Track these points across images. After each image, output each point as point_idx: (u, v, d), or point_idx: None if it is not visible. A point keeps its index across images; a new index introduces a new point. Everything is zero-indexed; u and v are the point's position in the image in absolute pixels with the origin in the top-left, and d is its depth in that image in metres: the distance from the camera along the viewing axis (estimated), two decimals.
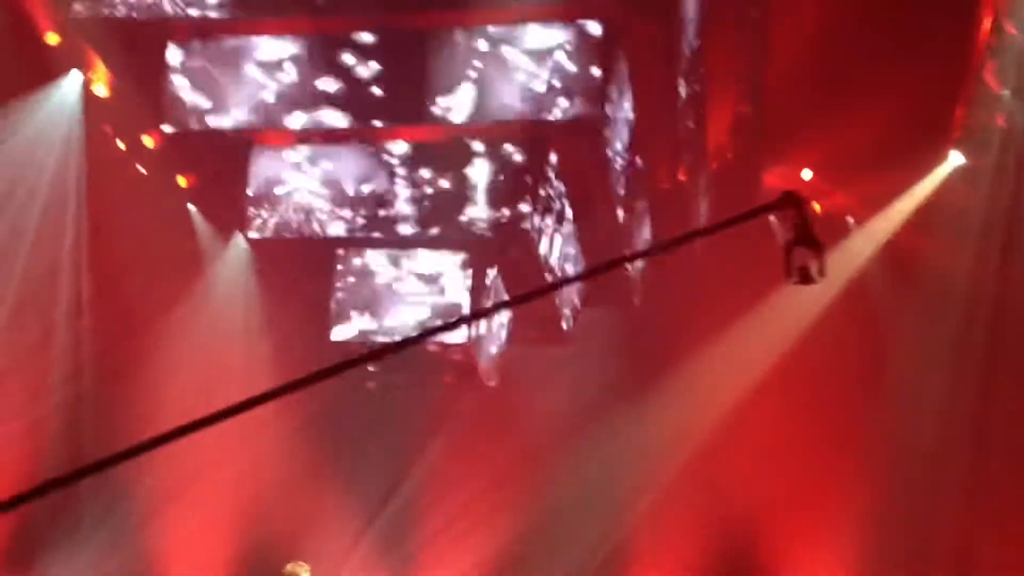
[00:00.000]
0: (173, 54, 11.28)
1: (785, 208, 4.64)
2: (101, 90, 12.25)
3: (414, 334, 11.80)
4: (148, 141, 12.76)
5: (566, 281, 12.97)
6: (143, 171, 13.04)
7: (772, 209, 4.74)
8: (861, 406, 13.44)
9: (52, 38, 11.87)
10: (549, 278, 12.15)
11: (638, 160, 12.73)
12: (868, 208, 13.72)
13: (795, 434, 13.37)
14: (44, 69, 11.84)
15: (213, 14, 10.87)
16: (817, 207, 12.96)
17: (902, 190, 13.46)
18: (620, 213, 12.67)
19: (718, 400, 13.90)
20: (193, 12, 10.83)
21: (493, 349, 12.93)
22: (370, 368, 12.84)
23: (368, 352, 11.35)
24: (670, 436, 14.02)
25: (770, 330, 14.14)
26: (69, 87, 11.95)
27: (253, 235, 11.95)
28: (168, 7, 10.72)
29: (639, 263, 14.08)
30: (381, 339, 12.02)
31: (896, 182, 13.30)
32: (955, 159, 13.23)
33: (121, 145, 12.74)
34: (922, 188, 13.49)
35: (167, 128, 11.43)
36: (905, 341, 13.57)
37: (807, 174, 13.32)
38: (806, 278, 4.66)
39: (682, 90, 12.06)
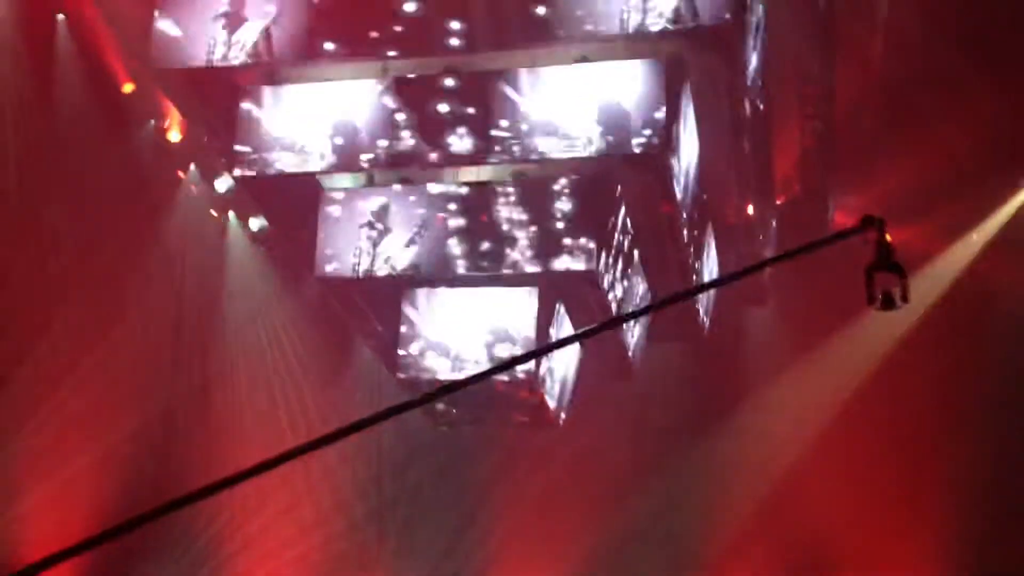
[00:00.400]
0: (244, 100, 11.51)
1: (866, 231, 4.56)
2: (175, 136, 12.55)
3: (482, 371, 11.78)
4: (220, 185, 13.04)
5: (633, 315, 12.88)
6: (215, 214, 13.31)
7: (853, 233, 4.65)
8: (940, 435, 13.18)
9: (128, 87, 12.22)
10: (617, 311, 12.09)
11: (704, 195, 12.67)
12: (943, 238, 13.52)
13: (871, 463, 13.16)
14: (120, 116, 12.17)
15: (283, 60, 11.06)
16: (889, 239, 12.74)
17: (978, 219, 13.25)
18: (687, 247, 12.60)
19: (790, 432, 13.74)
20: (263, 59, 11.03)
21: (561, 385, 12.88)
22: (438, 406, 12.87)
23: (435, 390, 11.36)
24: (741, 469, 13.87)
25: (844, 360, 13.98)
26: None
27: (322, 275, 12.06)
28: (239, 54, 10.93)
29: (707, 297, 13.98)
30: (449, 377, 12.02)
31: (970, 211, 13.11)
32: None
33: (193, 189, 13.03)
34: (998, 217, 13.29)
35: (238, 172, 11.61)
36: (985, 369, 13.30)
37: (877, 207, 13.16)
38: (889, 303, 4.56)
39: (747, 125, 11.99)
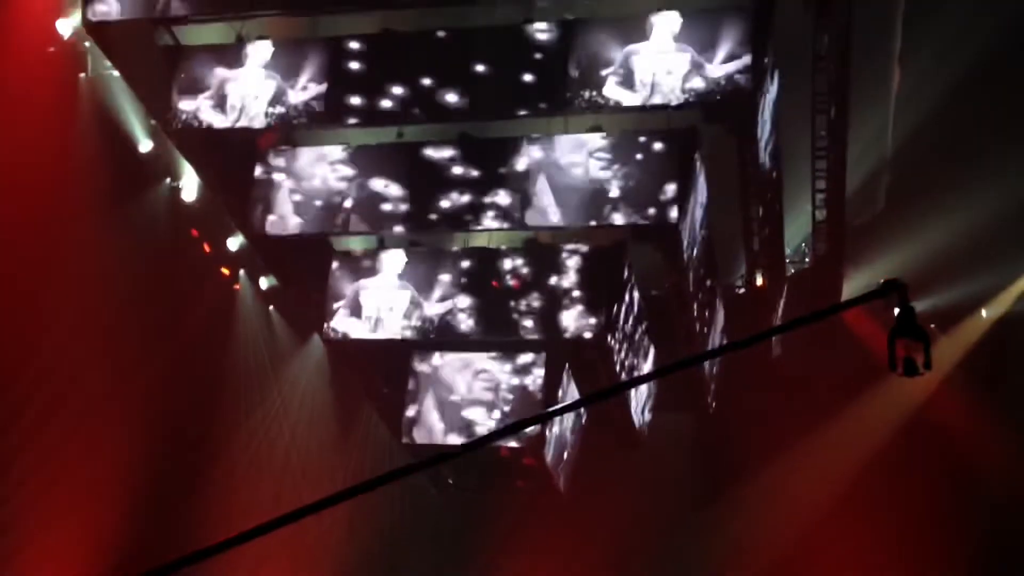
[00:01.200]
0: (259, 161, 11.63)
1: (888, 296, 4.51)
2: (190, 195, 12.67)
3: (485, 436, 11.73)
4: (233, 244, 13.12)
5: (639, 380, 12.84)
6: (226, 272, 13.38)
7: (875, 297, 4.61)
8: (948, 509, 13.05)
9: (145, 145, 12.36)
10: (624, 378, 12.06)
11: (714, 265, 12.69)
12: (951, 313, 13.49)
13: (879, 536, 13.01)
14: (137, 174, 12.31)
15: (297, 123, 11.19)
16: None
17: (987, 296, 13.25)
18: (696, 316, 12.59)
19: (797, 502, 13.62)
20: (277, 121, 11.15)
21: (565, 453, 12.81)
22: (442, 470, 12.80)
23: (439, 455, 11.30)
24: (748, 539, 13.73)
25: (852, 432, 13.90)
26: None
27: (330, 336, 12.08)
28: (255, 117, 11.07)
29: (714, 367, 13.94)
30: (454, 441, 11.97)
31: (980, 288, 13.10)
32: None
33: (206, 248, 13.11)
34: (1011, 291, 13.31)
35: (250, 231, 11.69)
36: (991, 450, 13.21)
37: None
38: (911, 369, 4.51)
39: (759, 196, 12.06)
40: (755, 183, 11.67)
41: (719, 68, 10.07)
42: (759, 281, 13.27)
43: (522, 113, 10.87)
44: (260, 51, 11.12)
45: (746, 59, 9.94)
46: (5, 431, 11.47)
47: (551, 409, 11.81)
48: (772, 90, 10.95)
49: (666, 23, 10.31)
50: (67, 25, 11.50)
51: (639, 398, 13.37)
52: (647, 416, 13.63)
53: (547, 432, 12.15)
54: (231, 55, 11.15)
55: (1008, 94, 11.50)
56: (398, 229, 11.46)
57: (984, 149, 11.93)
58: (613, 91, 10.35)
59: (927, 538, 13.01)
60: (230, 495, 12.74)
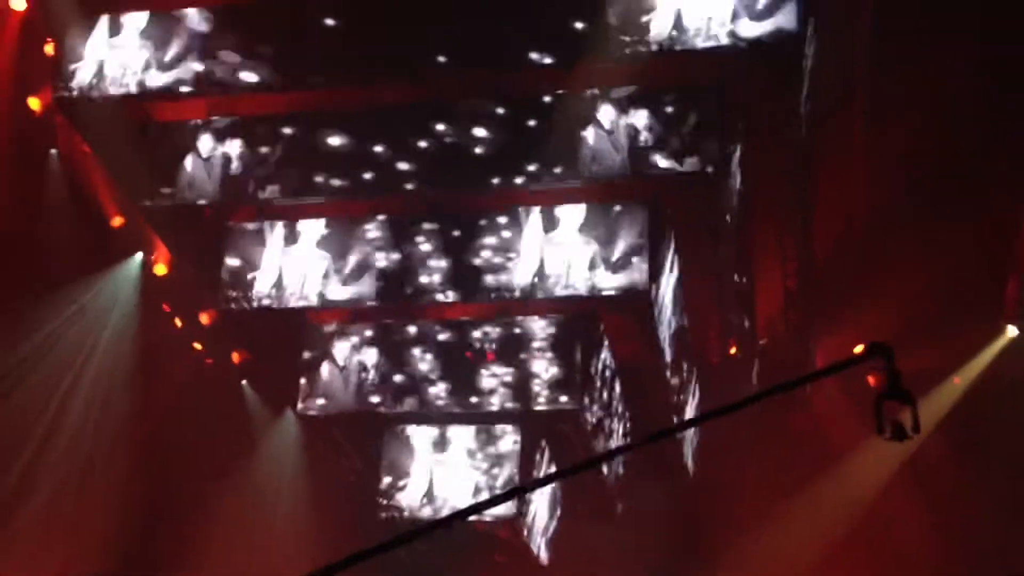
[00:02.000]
0: (230, 234, 11.63)
1: (873, 359, 4.46)
2: (161, 269, 12.62)
3: (462, 510, 11.61)
4: (204, 318, 13.04)
5: (616, 452, 12.80)
6: (199, 347, 13.28)
7: (860, 360, 4.54)
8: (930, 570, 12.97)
9: (116, 220, 12.33)
10: (599, 449, 12.01)
11: (687, 335, 12.73)
12: (922, 381, 13.53)
13: None
14: (108, 249, 12.26)
15: (270, 197, 11.21)
16: (871, 380, 12.76)
17: (958, 363, 13.28)
18: (670, 387, 12.59)
19: (778, 572, 13.50)
20: (251, 196, 11.18)
21: (542, 525, 12.69)
22: (417, 546, 12.62)
23: (416, 529, 11.17)
24: None
25: (831, 499, 13.83)
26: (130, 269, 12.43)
27: (302, 411, 11.99)
28: (227, 191, 11.09)
29: (690, 436, 13.91)
30: (429, 516, 11.86)
31: (950, 355, 13.13)
32: (1011, 332, 13.09)
33: (178, 322, 13.03)
34: (979, 362, 13.32)
35: (222, 306, 11.65)
36: (967, 516, 13.15)
37: (858, 348, 13.20)
38: (899, 434, 4.45)
39: (730, 266, 12.15)
40: (726, 254, 11.77)
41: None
42: (732, 351, 13.31)
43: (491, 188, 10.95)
44: (229, 126, 11.18)
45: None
46: None
47: (527, 483, 11.71)
48: (736, 160, 11.09)
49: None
50: (37, 101, 11.52)
51: (615, 468, 13.30)
52: (623, 486, 13.56)
53: (524, 505, 12.06)
54: (202, 129, 11.20)
55: (975, 156, 11.59)
56: (369, 302, 11.45)
57: (953, 213, 12.02)
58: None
59: None
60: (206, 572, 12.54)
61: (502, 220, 11.15)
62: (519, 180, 10.62)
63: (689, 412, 13.25)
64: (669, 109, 10.28)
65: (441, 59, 10.21)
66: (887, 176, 11.45)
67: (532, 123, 10.58)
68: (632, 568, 14.09)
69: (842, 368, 4.75)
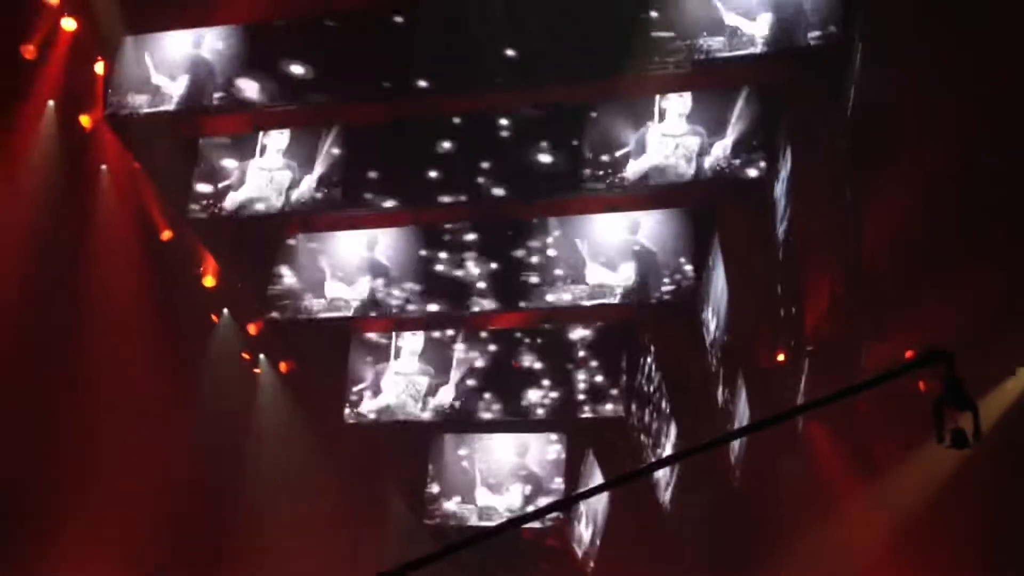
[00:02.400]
0: (279, 245, 11.75)
1: (932, 365, 4.37)
2: (209, 281, 12.76)
3: (509, 519, 11.63)
4: (252, 329, 13.17)
5: (663, 463, 12.74)
6: (246, 357, 13.42)
7: (919, 365, 4.44)
8: None
9: (166, 234, 12.49)
10: (647, 456, 11.96)
11: (735, 342, 12.64)
12: (975, 386, 13.33)
13: None
14: (159, 263, 12.44)
15: (318, 207, 11.30)
16: (922, 386, 12.64)
17: (1008, 371, 13.10)
18: (717, 394, 12.52)
19: (829, 569, 13.40)
20: (298, 206, 11.28)
21: (589, 533, 12.66)
22: (463, 553, 12.62)
23: (464, 538, 11.20)
24: None
25: (878, 508, 13.70)
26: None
27: (351, 419, 12.06)
28: (274, 202, 11.20)
29: (739, 443, 13.81)
30: (476, 524, 11.88)
31: (1000, 363, 12.95)
32: None
33: (227, 333, 13.17)
34: None
35: (270, 316, 11.76)
36: (1013, 526, 12.97)
37: (909, 353, 13.07)
38: (960, 441, 4.35)
39: (778, 272, 12.05)
40: (774, 260, 11.68)
41: (732, 150, 10.14)
42: (780, 357, 13.20)
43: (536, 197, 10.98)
44: (277, 141, 11.29)
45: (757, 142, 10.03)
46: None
47: (575, 494, 11.69)
48: (786, 168, 11.00)
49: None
50: (88, 118, 11.70)
51: (663, 477, 13.24)
52: (670, 493, 13.49)
53: (571, 513, 12.04)
54: (249, 145, 11.32)
55: None
56: (417, 310, 11.51)
57: (1006, 218, 11.85)
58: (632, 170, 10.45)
59: None
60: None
61: (554, 229, 11.17)
62: (578, 188, 10.65)
63: (737, 419, 13.17)
64: (718, 115, 10.23)
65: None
66: (939, 182, 11.31)
67: (588, 132, 10.61)
68: (680, 574, 14.04)
69: (902, 373, 4.65)
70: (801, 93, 10.19)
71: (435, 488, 12.12)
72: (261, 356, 13.50)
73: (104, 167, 11.90)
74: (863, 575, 13.42)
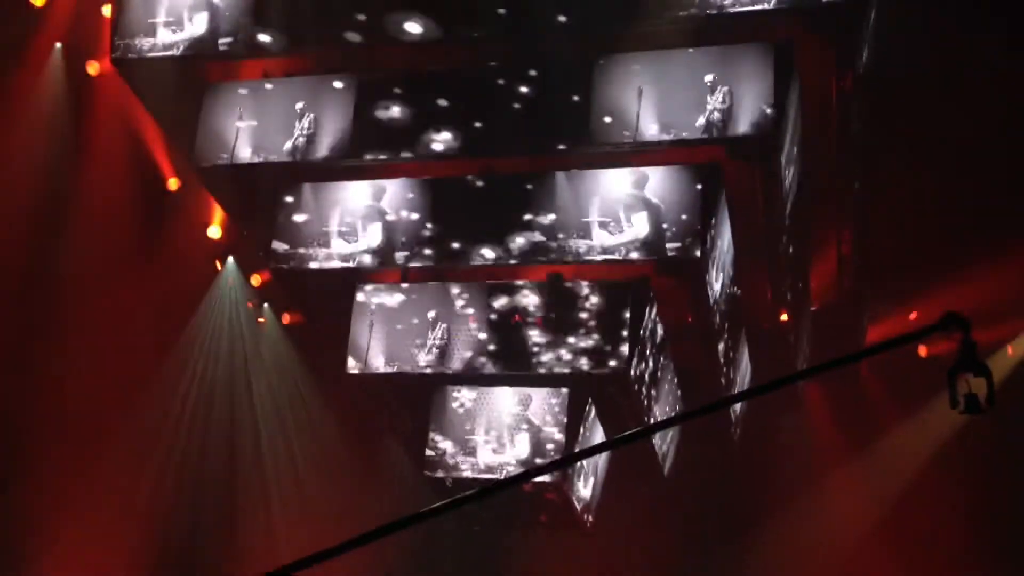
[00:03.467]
0: (285, 194, 11.73)
1: (948, 329, 4.38)
2: (215, 232, 12.75)
3: (510, 477, 11.69)
4: (256, 280, 13.18)
5: (665, 424, 12.79)
6: (250, 307, 13.43)
7: (934, 330, 4.42)
8: (980, 549, 12.87)
9: (172, 183, 12.46)
10: (648, 414, 12.01)
11: (739, 300, 12.65)
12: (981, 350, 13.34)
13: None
14: (164, 211, 12.42)
15: (326, 157, 11.28)
16: (922, 351, 12.69)
17: (1011, 338, 13.12)
18: (720, 351, 12.55)
19: (824, 539, 13.49)
20: (305, 155, 11.24)
21: (588, 488, 12.74)
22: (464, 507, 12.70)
23: (467, 494, 11.26)
24: (774, 572, 13.60)
25: (879, 469, 13.77)
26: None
27: (352, 370, 12.09)
28: (282, 150, 11.17)
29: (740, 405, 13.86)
30: (476, 476, 11.94)
31: (1007, 329, 12.97)
32: None
33: (231, 282, 13.18)
34: None
35: (274, 267, 11.77)
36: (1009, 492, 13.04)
37: (912, 316, 13.10)
38: (974, 406, 4.37)
39: (785, 231, 12.03)
40: (780, 219, 11.66)
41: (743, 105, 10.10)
42: (784, 317, 13.21)
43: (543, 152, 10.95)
44: (285, 88, 11.25)
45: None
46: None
47: (576, 452, 11.74)
48: (795, 125, 10.96)
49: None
50: (96, 64, 11.64)
51: (663, 434, 13.31)
52: (670, 450, 13.56)
53: (570, 469, 12.09)
54: (257, 92, 11.28)
55: None
56: (421, 264, 11.52)
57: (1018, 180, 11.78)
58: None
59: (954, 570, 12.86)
60: (251, 532, 12.74)
61: (558, 181, 11.15)
62: (580, 140, 10.61)
63: (739, 377, 13.21)
64: (723, 74, 10.17)
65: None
66: (950, 147, 11.28)
67: (592, 86, 10.55)
68: (678, 531, 14.14)
69: (916, 338, 4.67)
70: (812, 52, 10.13)
71: (436, 440, 12.18)
72: (265, 305, 13.51)
73: (109, 112, 11.84)
74: (857, 537, 13.51)
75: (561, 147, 10.72)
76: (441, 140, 10.95)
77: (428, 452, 12.10)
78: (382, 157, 11.17)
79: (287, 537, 12.58)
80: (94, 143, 11.78)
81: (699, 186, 10.74)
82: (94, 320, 11.90)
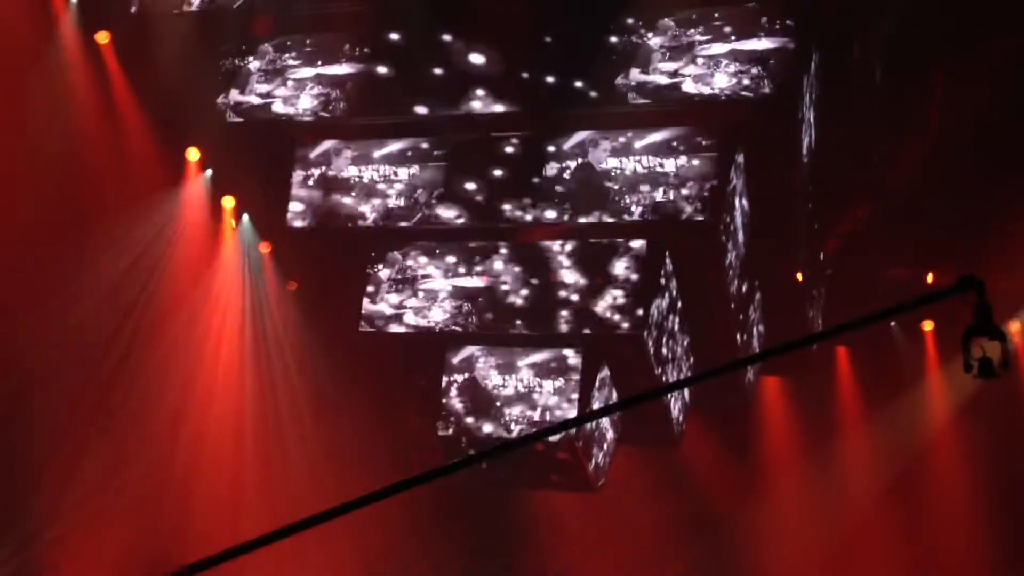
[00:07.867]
0: (300, 153, 11.72)
1: (963, 292, 4.34)
2: (229, 201, 12.77)
3: (523, 437, 11.75)
4: (271, 238, 13.20)
5: (679, 384, 12.81)
6: (263, 266, 13.45)
7: (949, 294, 4.40)
8: (976, 548, 12.92)
9: (192, 152, 12.42)
10: (661, 376, 12.02)
11: (753, 262, 12.61)
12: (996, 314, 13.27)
13: (923, 532, 12.93)
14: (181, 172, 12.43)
15: (338, 117, 11.25)
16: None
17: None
18: (735, 313, 12.53)
19: (837, 500, 13.54)
20: (317, 116, 11.22)
21: (600, 448, 12.77)
22: (479, 465, 12.79)
23: (480, 452, 11.33)
24: (785, 540, 13.64)
25: (891, 434, 13.80)
26: None
27: (366, 329, 12.13)
28: (298, 109, 11.15)
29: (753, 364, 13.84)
30: (490, 434, 12.00)
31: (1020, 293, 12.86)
32: None
33: (245, 240, 13.19)
34: None
35: (290, 224, 11.78)
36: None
37: (930, 277, 13.03)
38: (988, 371, 4.33)
39: (800, 191, 11.98)
40: (796, 180, 11.61)
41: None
42: (799, 276, 13.17)
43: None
44: (301, 46, 11.22)
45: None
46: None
47: (589, 412, 11.78)
48: (812, 85, 10.88)
49: None
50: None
51: (675, 400, 13.32)
52: (684, 412, 13.58)
53: (582, 429, 12.12)
54: (273, 51, 11.24)
55: None
56: (437, 222, 11.50)
57: None
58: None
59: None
60: (261, 491, 12.85)
61: (576, 144, 11.10)
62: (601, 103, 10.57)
63: (754, 339, 13.19)
64: (741, 35, 10.11)
65: None
66: (967, 108, 11.17)
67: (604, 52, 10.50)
68: (690, 492, 14.19)
69: (931, 301, 4.65)
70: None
71: (449, 399, 12.23)
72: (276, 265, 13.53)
73: (126, 69, 11.82)
74: (871, 499, 13.54)
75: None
76: (458, 100, 10.91)
77: (440, 411, 12.16)
78: (400, 115, 11.13)
79: (295, 494, 12.63)
80: (108, 101, 11.76)
81: (716, 149, 10.68)
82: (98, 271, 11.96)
